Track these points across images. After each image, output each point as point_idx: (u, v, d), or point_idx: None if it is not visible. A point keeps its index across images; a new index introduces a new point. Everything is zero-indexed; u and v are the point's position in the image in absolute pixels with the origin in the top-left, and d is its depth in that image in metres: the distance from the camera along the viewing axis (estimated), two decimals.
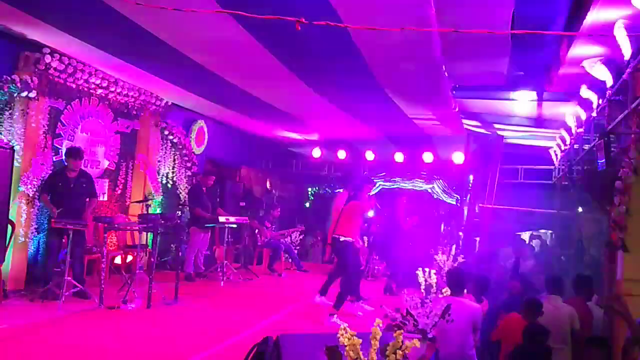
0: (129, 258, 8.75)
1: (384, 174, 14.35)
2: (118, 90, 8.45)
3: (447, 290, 5.31)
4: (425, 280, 6.44)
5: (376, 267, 10.65)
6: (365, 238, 10.32)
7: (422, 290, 6.37)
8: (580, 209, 8.18)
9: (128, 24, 5.77)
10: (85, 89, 7.91)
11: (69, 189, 6.89)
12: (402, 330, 2.61)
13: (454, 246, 9.07)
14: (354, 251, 7.15)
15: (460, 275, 5.17)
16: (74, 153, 7.00)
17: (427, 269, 6.61)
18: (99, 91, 8.20)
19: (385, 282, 9.25)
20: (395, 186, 14.66)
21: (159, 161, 9.80)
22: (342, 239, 6.95)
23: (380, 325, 2.58)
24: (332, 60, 6.94)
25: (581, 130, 7.40)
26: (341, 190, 7.98)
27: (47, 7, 5.76)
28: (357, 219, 7.24)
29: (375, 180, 11.77)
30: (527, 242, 11.13)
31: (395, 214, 9.87)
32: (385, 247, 10.25)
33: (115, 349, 4.98)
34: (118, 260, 8.56)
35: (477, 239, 10.99)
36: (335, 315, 6.51)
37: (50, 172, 7.14)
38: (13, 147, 6.58)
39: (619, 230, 4.81)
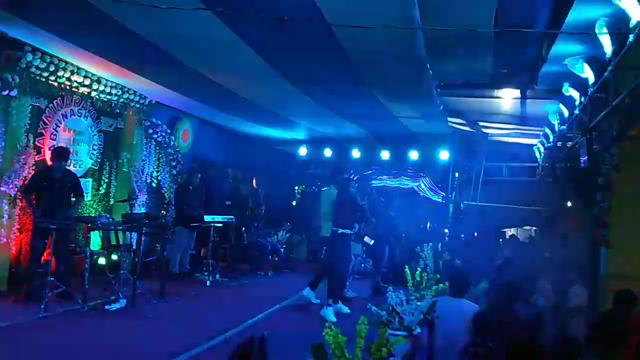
0: (113, 258, 8.63)
1: (370, 172, 14.37)
2: (101, 89, 8.36)
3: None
4: (412, 278, 6.44)
5: (363, 265, 10.62)
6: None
7: (409, 287, 6.37)
8: (564, 206, 8.27)
9: (110, 21, 5.70)
10: (68, 88, 7.81)
11: (53, 189, 6.79)
12: (387, 328, 2.61)
13: (439, 243, 9.10)
14: (348, 245, 7.19)
15: (464, 277, 4.75)
16: (60, 153, 6.91)
17: (413, 266, 6.61)
18: (82, 89, 8.10)
19: (371, 281, 9.19)
20: (381, 184, 14.68)
21: (143, 160, 9.72)
22: (339, 231, 6.99)
23: (365, 323, 2.58)
24: (317, 59, 6.93)
25: (564, 127, 7.48)
26: (327, 188, 7.96)
27: (28, 5, 5.67)
28: (350, 212, 7.29)
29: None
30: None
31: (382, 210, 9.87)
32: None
33: (100, 349, 4.92)
34: (102, 260, 8.45)
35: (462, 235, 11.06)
36: (329, 306, 6.56)
37: (34, 171, 7.04)
38: None
39: (602, 226, 4.86)
